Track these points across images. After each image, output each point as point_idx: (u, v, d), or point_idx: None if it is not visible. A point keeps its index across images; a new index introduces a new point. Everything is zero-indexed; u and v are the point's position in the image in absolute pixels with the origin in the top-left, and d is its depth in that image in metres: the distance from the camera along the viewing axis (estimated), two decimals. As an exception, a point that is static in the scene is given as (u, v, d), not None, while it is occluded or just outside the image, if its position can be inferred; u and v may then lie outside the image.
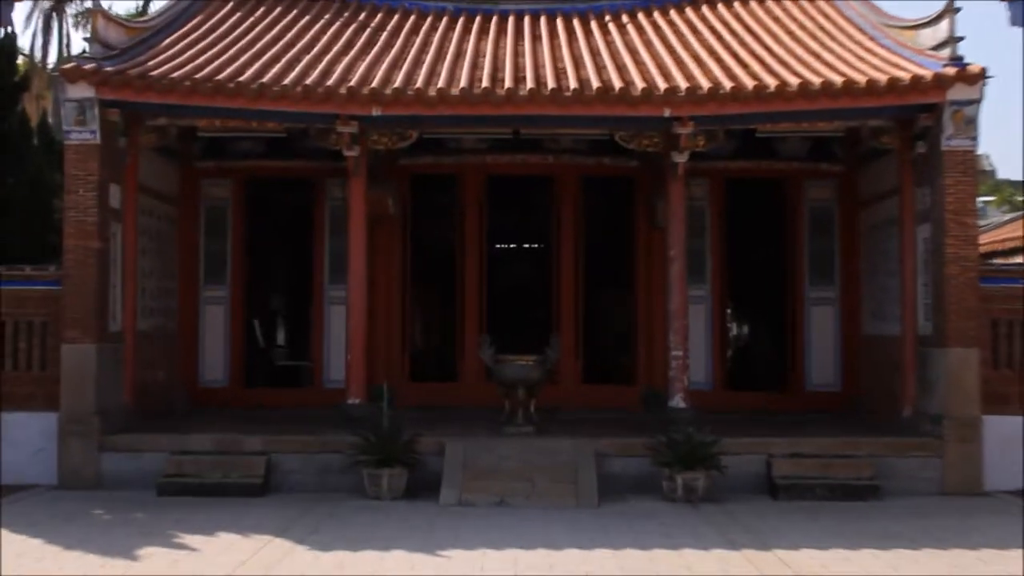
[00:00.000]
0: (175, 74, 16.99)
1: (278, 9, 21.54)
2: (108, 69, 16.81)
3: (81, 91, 16.71)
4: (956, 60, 16.76)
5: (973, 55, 16.49)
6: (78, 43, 17.54)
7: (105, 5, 18.76)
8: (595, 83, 17.35)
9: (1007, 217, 30.61)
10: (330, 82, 17.23)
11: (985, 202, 29.16)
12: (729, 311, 21.94)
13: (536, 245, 21.58)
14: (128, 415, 17.38)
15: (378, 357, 19.71)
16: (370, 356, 18.45)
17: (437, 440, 16.29)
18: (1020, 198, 36.51)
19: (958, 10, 17.16)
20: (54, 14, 41.61)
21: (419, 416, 17.68)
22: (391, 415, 16.26)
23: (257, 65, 17.84)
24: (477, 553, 12.08)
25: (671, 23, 21.37)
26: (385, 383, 18.29)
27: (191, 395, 20.46)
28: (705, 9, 22.00)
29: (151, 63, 17.52)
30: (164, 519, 13.89)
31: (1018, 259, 21.54)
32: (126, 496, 15.50)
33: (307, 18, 21.26)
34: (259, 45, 19.21)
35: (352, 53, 19.18)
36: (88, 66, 16.79)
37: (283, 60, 18.32)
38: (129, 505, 14.89)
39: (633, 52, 19.50)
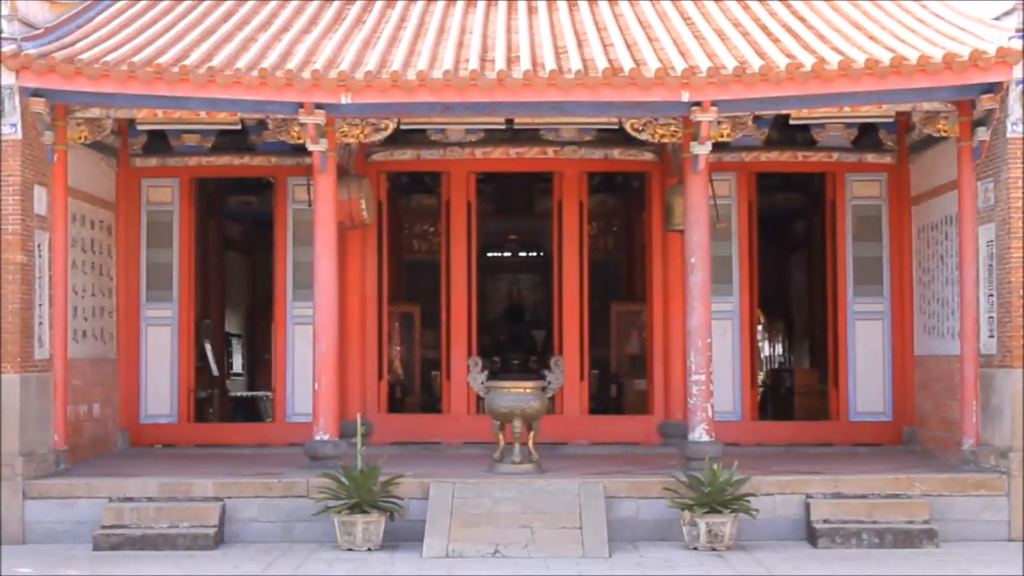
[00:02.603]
0: (109, 56, 16.99)
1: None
2: (30, 51, 16.78)
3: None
4: (1023, 33, 16.94)
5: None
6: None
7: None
8: (601, 63, 17.32)
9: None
10: (291, 64, 17.23)
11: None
12: (760, 327, 21.98)
13: (534, 253, 21.62)
14: (58, 456, 17.38)
15: (351, 385, 19.81)
16: (342, 385, 18.56)
17: (420, 481, 16.27)
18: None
19: (1033, -5, 17.39)
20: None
21: (399, 454, 17.84)
22: (366, 453, 16.28)
23: (206, 45, 17.90)
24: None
25: (690, -7, 21.52)
26: (359, 416, 18.37)
27: (132, 432, 20.55)
28: (729, -27, 22.22)
29: (81, 44, 17.56)
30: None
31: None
32: (56, 551, 15.46)
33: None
34: (208, 22, 19.27)
35: (317, 30, 19.26)
36: (6, 48, 16.74)
37: (236, 39, 18.38)
38: (60, 561, 14.84)
39: (646, 26, 19.49)
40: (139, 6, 19.88)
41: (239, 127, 19.85)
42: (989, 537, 16.13)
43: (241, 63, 17.17)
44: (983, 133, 17.48)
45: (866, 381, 21.02)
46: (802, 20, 19.22)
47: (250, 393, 23.39)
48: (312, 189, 18.52)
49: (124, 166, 20.78)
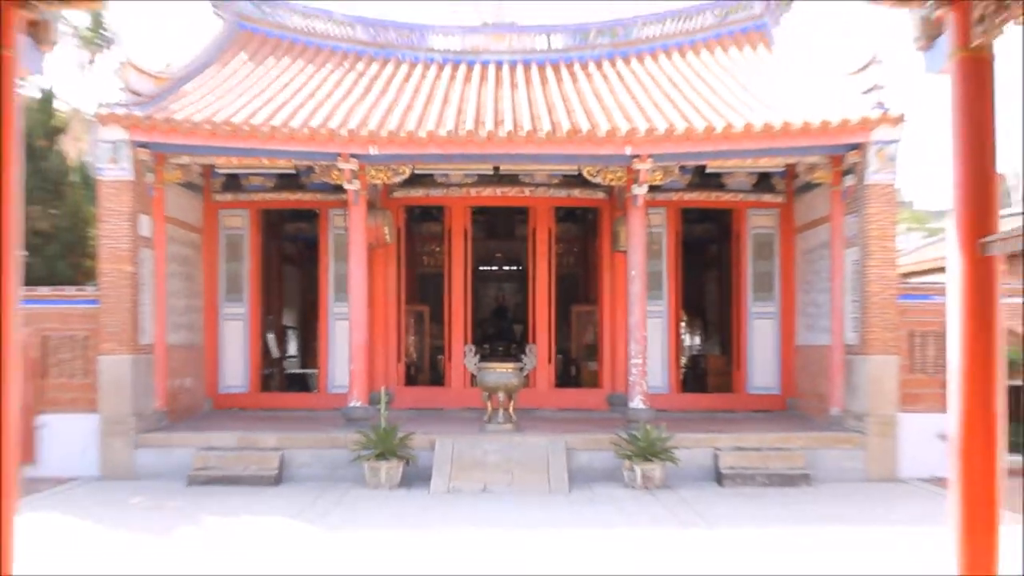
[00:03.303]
0: (196, 118, 17.18)
1: (285, 60, 21.80)
2: (138, 114, 17.06)
3: (114, 133, 16.99)
4: (880, 105, 16.99)
5: (900, 99, 16.75)
6: (112, 91, 17.72)
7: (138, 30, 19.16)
8: (566, 125, 17.55)
9: (924, 242, 31.04)
10: (333, 124, 17.38)
11: (907, 229, 29.52)
12: (683, 324, 22.17)
13: (515, 267, 21.78)
14: (160, 417, 17.72)
15: (376, 365, 19.91)
16: (370, 365, 18.65)
17: (428, 437, 16.54)
18: (934, 225, 36.94)
19: (882, 62, 17.54)
20: (90, 65, 42.14)
21: (412, 416, 17.98)
22: (388, 416, 16.49)
23: (268, 109, 18.01)
24: (463, 532, 12.36)
25: (632, 72, 21.62)
26: (383, 388, 18.55)
27: (214, 399, 20.73)
28: (662, 59, 22.29)
29: (175, 108, 17.74)
30: (193, 505, 14.19)
31: (932, 279, 21.78)
32: (159, 486, 15.79)
33: (311, 68, 21.51)
34: (269, 92, 19.39)
35: (351, 99, 19.38)
36: (120, 111, 17.08)
37: (290, 105, 18.47)
38: (162, 493, 15.17)
39: (599, 97, 19.69)
40: (218, 79, 20.06)
41: (293, 171, 19.95)
42: (850, 479, 16.42)
43: (295, 123, 17.31)
44: (850, 180, 17.72)
45: (760, 364, 21.17)
46: (717, 94, 19.35)
47: (301, 370, 23.51)
48: (348, 218, 18.69)
49: (207, 200, 20.91)
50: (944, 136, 6.70)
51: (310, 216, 21.29)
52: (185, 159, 18.47)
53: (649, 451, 15.77)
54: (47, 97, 21.61)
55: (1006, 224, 6.25)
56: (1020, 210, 21.54)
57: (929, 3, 6.71)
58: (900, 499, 14.93)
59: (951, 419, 6.52)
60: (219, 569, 10.64)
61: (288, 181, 20.69)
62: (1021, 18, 6.20)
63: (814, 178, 18.58)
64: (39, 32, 6.82)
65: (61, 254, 19.96)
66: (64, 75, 42.15)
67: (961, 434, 6.39)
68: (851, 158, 17.52)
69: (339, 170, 17.84)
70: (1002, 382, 6.41)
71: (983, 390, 6.34)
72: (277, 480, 16.12)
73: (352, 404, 17.85)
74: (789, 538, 12.21)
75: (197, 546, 11.89)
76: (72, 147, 23.61)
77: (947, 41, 6.74)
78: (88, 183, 20.91)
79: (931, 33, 7.01)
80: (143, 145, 17.33)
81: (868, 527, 12.84)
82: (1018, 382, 17.02)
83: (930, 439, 15.42)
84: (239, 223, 21.33)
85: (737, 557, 11.26)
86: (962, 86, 6.59)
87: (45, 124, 20.91)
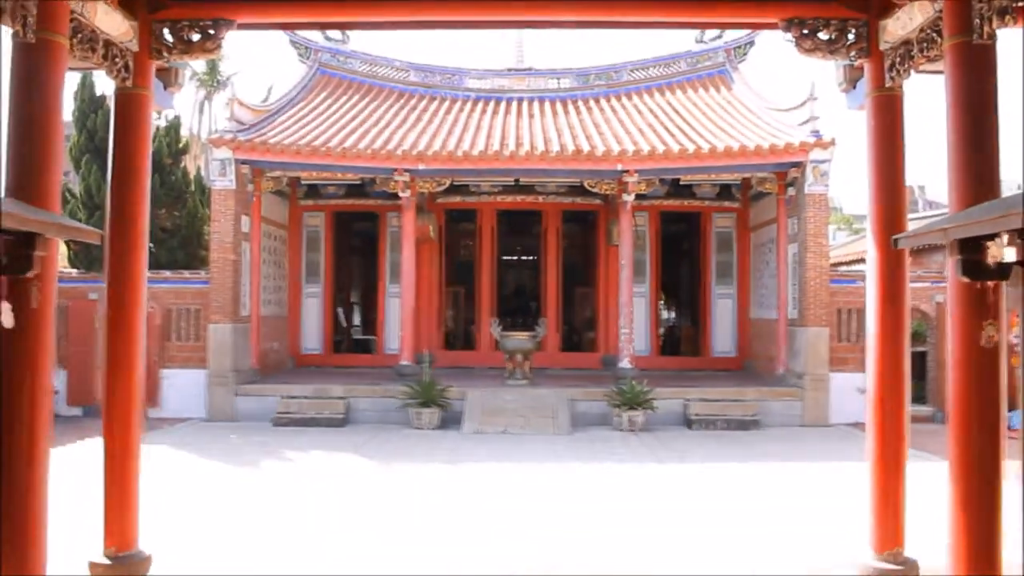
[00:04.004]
0: (286, 141, 17.32)
1: (355, 97, 21.91)
2: (241, 138, 17.18)
3: (222, 153, 17.08)
4: (815, 132, 16.92)
5: (832, 126, 16.73)
6: (222, 121, 17.99)
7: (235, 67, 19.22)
8: (571, 147, 17.60)
9: (850, 239, 30.96)
10: (390, 146, 17.52)
11: (836, 228, 29.42)
12: (661, 302, 22.07)
13: (530, 257, 21.75)
14: (253, 372, 17.73)
15: (422, 333, 19.72)
16: (416, 332, 18.59)
17: (461, 390, 16.47)
18: (858, 226, 36.82)
19: (817, 98, 17.42)
20: (206, 101, 42.86)
21: (449, 373, 17.92)
22: (430, 372, 16.54)
23: (341, 135, 18.12)
24: (487, 464, 12.35)
25: (623, 106, 21.61)
26: (426, 351, 18.68)
27: (296, 358, 20.68)
28: (646, 96, 22.27)
29: (270, 133, 17.83)
30: (277, 441, 14.23)
31: (855, 267, 21.70)
32: (252, 426, 15.85)
33: (374, 103, 21.57)
34: (342, 121, 19.47)
35: (405, 127, 19.46)
36: (227, 136, 17.21)
37: (359, 131, 18.59)
38: (253, 432, 15.23)
39: (597, 126, 19.72)
40: (304, 111, 20.12)
41: (359, 182, 19.93)
42: (791, 424, 16.29)
43: (362, 145, 17.42)
44: (792, 191, 17.62)
45: (722, 333, 21.06)
46: (688, 123, 19.36)
47: (364, 337, 23.52)
48: (401, 219, 18.71)
49: (293, 204, 20.90)
50: (864, 156, 6.62)
51: (372, 217, 21.26)
52: (277, 173, 18.48)
53: (634, 401, 15.71)
54: (173, 125, 21.76)
55: (913, 225, 6.14)
56: (924, 215, 21.33)
57: (850, 55, 6.61)
58: (828, 440, 14.86)
59: (868, 377, 6.43)
60: (290, 487, 10.65)
61: (355, 190, 20.62)
62: (922, 66, 6.12)
63: (764, 189, 18.47)
64: (168, 76, 6.97)
65: (181, 246, 20.02)
66: (188, 108, 42.86)
67: (875, 388, 6.31)
68: (792, 173, 17.44)
69: (395, 181, 17.83)
70: (907, 348, 6.32)
71: (893, 354, 6.26)
72: (343, 422, 16.10)
73: (402, 363, 17.88)
74: (742, 468, 12.25)
75: (275, 470, 11.97)
76: (192, 164, 23.80)
77: (865, 84, 6.66)
78: (203, 191, 21.06)
79: (852, 78, 6.93)
80: (244, 162, 17.41)
81: (802, 461, 12.80)
82: (922, 348, 16.89)
83: (853, 393, 15.31)
84: (317, 222, 21.30)
85: (701, 481, 11.25)
86: (877, 118, 6.52)
87: (172, 146, 21.01)
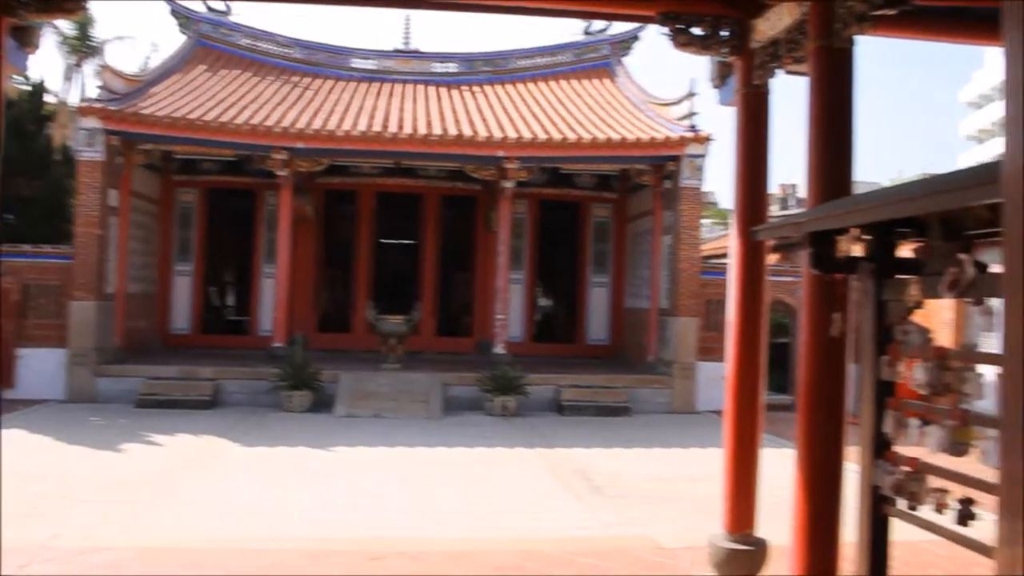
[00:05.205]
0: (160, 113, 16.77)
1: (236, 71, 21.37)
2: (111, 108, 16.56)
3: (91, 123, 16.44)
4: (692, 128, 17.40)
5: (713, 122, 17.18)
6: (92, 89, 17.29)
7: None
8: (453, 132, 17.56)
9: (723, 232, 31.86)
10: (269, 123, 17.15)
11: (710, 222, 30.20)
12: (538, 289, 22.22)
13: (409, 241, 21.58)
14: (118, 351, 17.13)
15: (296, 315, 19.51)
16: (290, 314, 18.37)
17: (334, 372, 16.35)
18: (728, 221, 37.89)
19: (695, 94, 17.92)
20: (77, 67, 41.07)
21: (323, 356, 17.72)
22: (302, 355, 16.37)
23: (218, 109, 17.65)
24: (357, 448, 12.30)
25: (507, 94, 21.73)
26: (301, 333, 18.44)
27: (164, 338, 20.14)
28: (531, 86, 22.44)
29: (143, 104, 17.23)
30: (140, 424, 13.77)
31: (727, 260, 22.23)
32: (115, 408, 15.32)
33: (255, 78, 21.11)
34: (219, 95, 18.96)
35: (286, 104, 19.06)
36: (97, 105, 16.59)
37: (237, 106, 18.16)
38: (116, 414, 14.73)
39: (480, 112, 19.76)
40: (180, 84, 19.50)
41: (236, 159, 19.50)
42: (660, 411, 16.74)
43: (239, 120, 17.01)
44: (668, 184, 17.99)
45: (596, 321, 21.37)
46: (570, 113, 19.58)
47: (237, 317, 22.96)
48: (278, 198, 18.35)
49: (166, 178, 20.30)
50: (732, 150, 6.79)
51: (249, 195, 20.76)
52: (149, 146, 17.93)
53: (506, 387, 15.84)
54: (37, 90, 20.87)
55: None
56: (794, 212, 22.04)
57: (723, 51, 6.77)
58: (694, 426, 15.26)
59: (727, 365, 6.61)
60: (153, 471, 10.36)
61: (232, 166, 20.17)
62: (788, 66, 6.32)
63: (641, 180, 18.84)
64: (24, 36, 6.58)
65: (45, 218, 19.08)
66: (54, 73, 40.87)
67: (733, 377, 6.50)
68: (669, 167, 17.80)
69: (272, 159, 17.49)
70: (765, 337, 6.52)
71: (750, 343, 6.45)
72: (211, 404, 15.77)
73: (275, 345, 17.60)
74: (610, 452, 12.50)
75: (139, 454, 11.64)
76: (58, 132, 22.77)
77: (735, 80, 6.83)
78: (69, 162, 20.14)
79: (723, 74, 7.10)
80: (114, 133, 16.77)
81: (667, 447, 13.16)
82: (785, 340, 17.52)
83: (719, 381, 15.61)
84: (190, 198, 20.77)
85: (567, 464, 11.40)
86: (744, 114, 6.69)
87: (35, 112, 20.10)
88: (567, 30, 23.96)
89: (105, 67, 17.53)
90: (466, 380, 16.58)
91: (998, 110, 57.49)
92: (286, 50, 22.93)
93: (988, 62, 59.23)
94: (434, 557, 6.81)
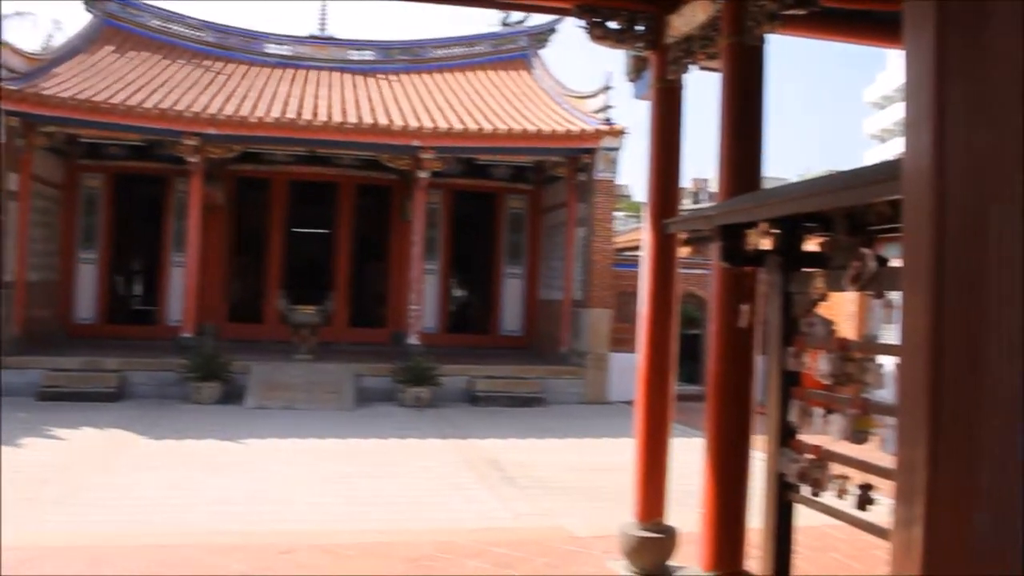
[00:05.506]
0: (63, 95, 16.21)
1: (145, 53, 20.75)
2: (11, 88, 15.87)
3: (-11, 104, 15.82)
4: (607, 121, 17.58)
5: (629, 116, 17.43)
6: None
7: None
8: (368, 120, 17.42)
9: (637, 225, 32.26)
10: (179, 107, 16.75)
11: (625, 215, 30.51)
12: (453, 280, 22.19)
13: (323, 230, 21.32)
14: (18, 342, 16.43)
15: (206, 304, 19.09)
16: (200, 303, 18.01)
17: (245, 363, 16.09)
18: (641, 214, 38.41)
19: (612, 88, 18.07)
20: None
21: (234, 347, 17.41)
22: (213, 345, 16.10)
23: (126, 92, 17.16)
24: (268, 440, 12.14)
25: (424, 83, 21.58)
26: (211, 323, 18.08)
27: (68, 328, 19.49)
28: (448, 75, 22.41)
29: (45, 86, 16.61)
30: (41, 418, 13.30)
31: (639, 253, 22.54)
32: (14, 401, 14.60)
33: (165, 61, 20.55)
34: (127, 78, 18.42)
35: (197, 88, 18.62)
36: (-5, 85, 15.95)
37: (146, 89, 17.69)
38: (15, 408, 14.02)
39: (397, 101, 19.59)
40: (85, 65, 18.87)
41: (146, 144, 18.98)
42: (573, 402, 16.90)
43: (148, 104, 16.57)
44: (582, 176, 18.15)
45: (510, 312, 21.44)
46: (487, 104, 19.59)
47: (144, 307, 22.39)
48: (189, 185, 17.93)
49: (71, 163, 19.60)
50: (646, 144, 6.86)
51: (158, 181, 20.23)
52: (51, 128, 17.25)
53: (420, 377, 15.81)
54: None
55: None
56: (706, 206, 22.43)
57: (638, 46, 6.84)
58: (607, 416, 15.44)
59: (639, 356, 6.69)
60: (55, 466, 10.05)
61: (141, 151, 19.63)
62: (702, 62, 6.42)
63: (556, 172, 19.00)
64: None
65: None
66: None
67: (644, 367, 6.58)
68: (584, 159, 17.95)
69: (183, 145, 17.09)
70: (676, 328, 6.62)
71: (663, 334, 6.54)
72: (117, 397, 15.33)
73: (184, 335, 17.24)
74: (523, 442, 12.61)
75: (40, 448, 11.28)
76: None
77: (649, 75, 6.90)
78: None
79: (639, 69, 7.19)
80: (13, 114, 16.07)
81: (579, 437, 13.32)
82: (696, 331, 17.83)
83: (631, 372, 15.83)
84: (96, 184, 20.14)
85: (481, 455, 11.46)
86: (658, 108, 6.77)
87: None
88: (485, 21, 23.99)
89: (3, 44, 16.81)
90: (379, 371, 16.48)
91: (899, 111, 59.47)
92: (198, 33, 22.35)
93: (890, 64, 61.14)
94: (346, 550, 6.75)
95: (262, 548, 6.70)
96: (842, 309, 14.33)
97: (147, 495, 8.83)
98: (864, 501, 3.60)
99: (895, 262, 3.21)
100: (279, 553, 6.57)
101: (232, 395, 15.45)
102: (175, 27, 22.24)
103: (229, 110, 17.16)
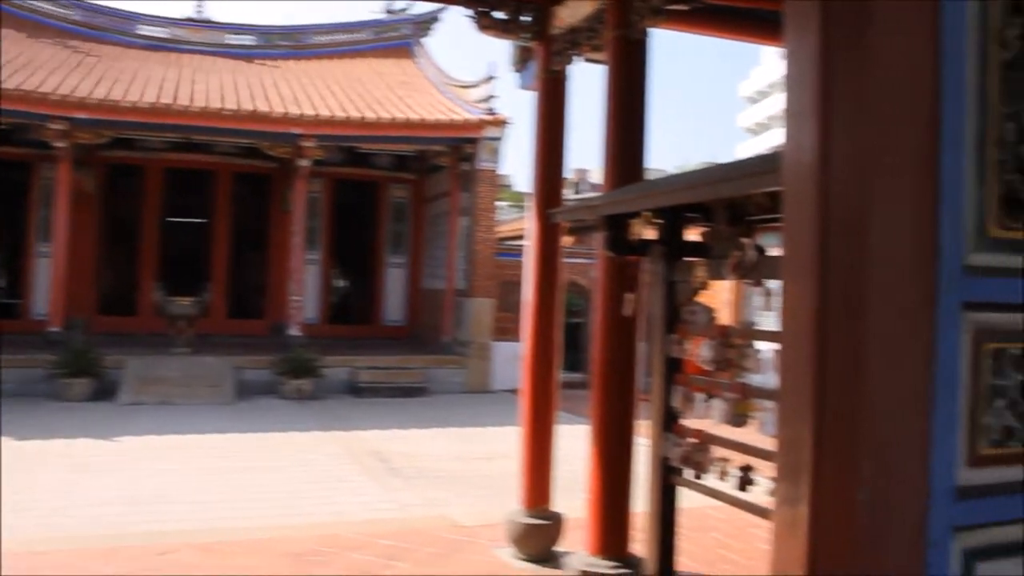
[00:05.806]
0: (-85, 75, 15.40)
1: (5, 31, 19.74)
2: None
3: None
4: (490, 111, 17.66)
5: (513, 106, 17.54)
6: None
7: None
8: (247, 106, 17.06)
9: (519, 215, 32.58)
10: (45, 89, 16.02)
11: (507, 205, 30.73)
12: (334, 270, 21.90)
13: (200, 219, 20.72)
14: None
15: (75, 297, 18.22)
16: (68, 296, 17.27)
17: (119, 358, 15.52)
18: (528, 203, 38.76)
19: (495, 78, 18.19)
20: None
21: (106, 340, 16.76)
22: (84, 339, 15.49)
23: (-14, 74, 16.38)
24: (145, 437, 11.74)
25: (305, 70, 21.27)
26: (80, 316, 17.39)
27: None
28: (329, 61, 22.11)
29: None
30: None
31: (522, 242, 22.82)
32: None
33: (28, 39, 19.58)
34: (-13, 58, 17.59)
35: (64, 69, 17.84)
36: None
37: (7, 69, 16.69)
38: None
39: (277, 87, 19.21)
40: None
41: (7, 128, 17.87)
42: (456, 391, 16.97)
43: (9, 85, 15.73)
44: (466, 165, 18.20)
45: (393, 302, 21.32)
46: (369, 92, 19.38)
47: (7, 300, 21.35)
48: (56, 171, 17.21)
49: (-77, 147, 18.55)
50: (531, 134, 6.92)
51: (22, 167, 19.25)
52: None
53: (301, 369, 15.62)
54: None
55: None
56: (587, 196, 22.80)
57: (524, 36, 6.90)
58: (490, 405, 15.52)
59: (523, 345, 6.76)
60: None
61: (2, 136, 18.40)
62: (587, 54, 6.52)
63: (439, 162, 19.01)
64: None
65: None
66: None
67: (529, 356, 6.65)
68: (467, 149, 18.00)
69: (49, 130, 16.32)
70: (560, 317, 6.72)
71: (547, 323, 6.63)
72: (-22, 393, 14.54)
73: (51, 329, 16.54)
74: (407, 433, 12.57)
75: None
76: None
77: (535, 65, 6.96)
78: None
79: (524, 59, 7.24)
80: None
81: (462, 427, 13.33)
82: (579, 320, 18.10)
83: (513, 361, 16.00)
84: (-47, 169, 19.01)
85: (364, 447, 11.36)
86: (543, 99, 6.84)
87: None
88: (368, 8, 23.74)
89: None
90: (260, 363, 16.19)
91: (772, 105, 61.53)
92: (64, 11, 21.34)
93: (765, 60, 63.18)
94: (228, 547, 6.61)
95: (140, 550, 6.50)
96: (720, 297, 14.77)
97: (13, 499, 8.42)
98: (744, 482, 3.73)
99: (773, 251, 3.33)
100: (158, 554, 6.39)
101: (105, 391, 14.87)
102: (39, 4, 21.18)
103: (100, 93, 16.49)
